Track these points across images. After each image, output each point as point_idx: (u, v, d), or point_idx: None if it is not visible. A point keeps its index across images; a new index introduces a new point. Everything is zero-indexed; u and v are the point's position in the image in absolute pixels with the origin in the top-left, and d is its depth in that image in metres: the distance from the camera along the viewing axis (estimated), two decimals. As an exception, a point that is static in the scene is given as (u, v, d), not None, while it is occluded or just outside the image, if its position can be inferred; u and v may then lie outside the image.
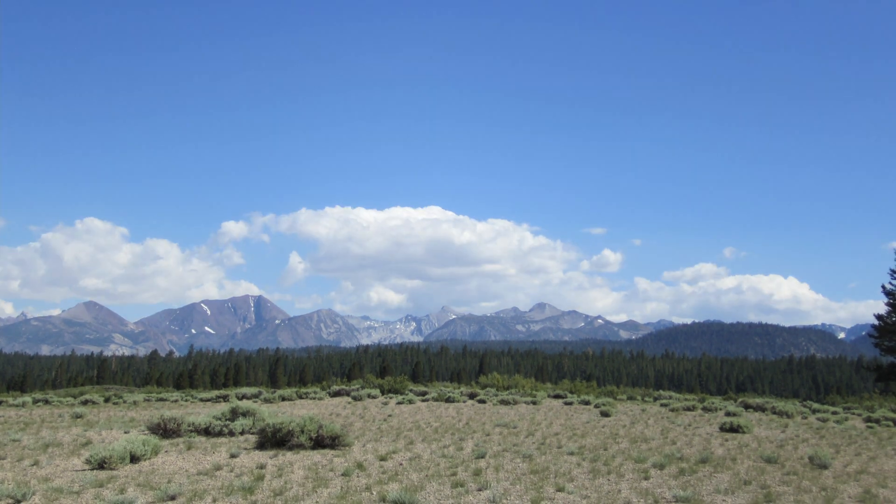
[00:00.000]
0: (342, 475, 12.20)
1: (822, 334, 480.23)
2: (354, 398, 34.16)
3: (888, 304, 43.66)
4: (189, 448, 15.51)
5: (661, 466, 13.71)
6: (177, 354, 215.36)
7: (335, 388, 38.94)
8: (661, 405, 32.81)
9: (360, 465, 13.18)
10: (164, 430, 17.45)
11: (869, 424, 25.87)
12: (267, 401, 33.77)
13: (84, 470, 12.61)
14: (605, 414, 26.44)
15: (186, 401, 36.09)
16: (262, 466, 12.96)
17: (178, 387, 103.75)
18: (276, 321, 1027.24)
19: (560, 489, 11.33)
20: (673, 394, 42.22)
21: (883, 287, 44.15)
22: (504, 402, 32.14)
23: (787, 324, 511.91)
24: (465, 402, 33.04)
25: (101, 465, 12.64)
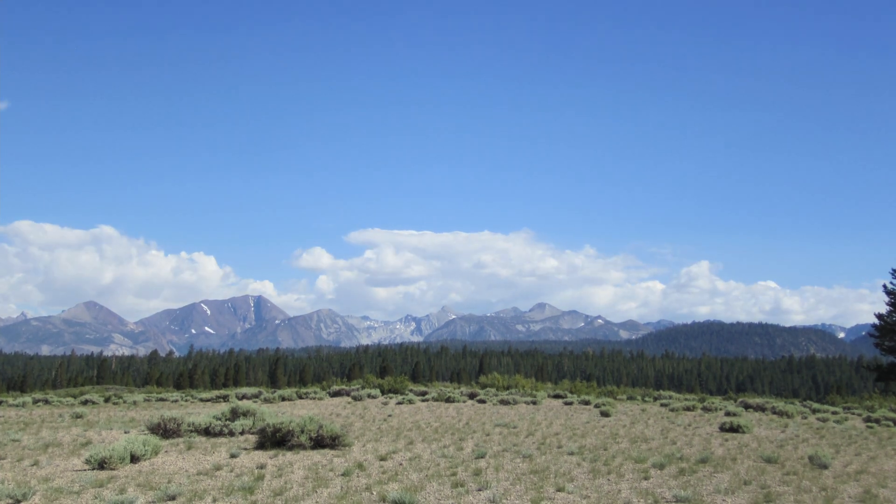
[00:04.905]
0: (342, 475, 12.20)
1: (821, 334, 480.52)
2: (354, 398, 34.17)
3: (889, 304, 43.62)
4: (189, 448, 15.51)
5: (661, 466, 13.71)
6: (177, 354, 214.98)
7: (335, 388, 38.96)
8: (661, 405, 32.81)
9: (360, 465, 13.18)
10: (165, 430, 17.46)
11: (869, 424, 25.86)
12: (267, 401, 33.77)
13: (84, 470, 12.61)
14: (604, 414, 26.44)
15: (186, 401, 36.12)
16: (262, 466, 12.96)
17: (178, 387, 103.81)
18: (276, 321, 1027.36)
19: (560, 489, 11.32)
20: (673, 394, 42.20)
21: (884, 286, 44.10)
22: (504, 402, 32.13)
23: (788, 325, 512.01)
24: (465, 402, 33.04)
25: (102, 465, 12.64)
